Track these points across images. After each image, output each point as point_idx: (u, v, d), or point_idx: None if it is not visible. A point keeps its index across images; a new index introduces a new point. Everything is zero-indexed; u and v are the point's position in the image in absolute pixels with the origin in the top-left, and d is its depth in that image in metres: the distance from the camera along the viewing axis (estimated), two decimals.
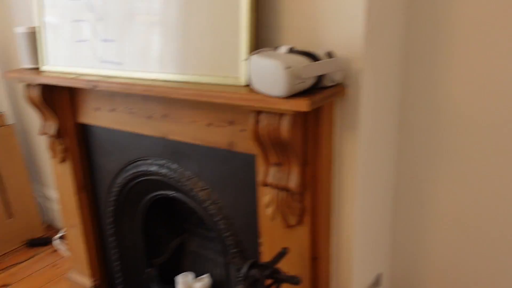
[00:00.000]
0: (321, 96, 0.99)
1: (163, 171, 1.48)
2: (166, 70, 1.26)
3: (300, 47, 1.12)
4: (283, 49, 1.02)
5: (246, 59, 1.09)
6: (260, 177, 1.15)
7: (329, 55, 1.04)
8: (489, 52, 1.11)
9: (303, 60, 0.97)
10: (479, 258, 1.28)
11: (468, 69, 1.15)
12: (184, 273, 1.74)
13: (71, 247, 1.92)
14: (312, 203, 1.13)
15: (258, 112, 1.06)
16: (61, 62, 1.55)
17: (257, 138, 1.08)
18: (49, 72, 1.56)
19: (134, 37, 1.32)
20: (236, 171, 1.29)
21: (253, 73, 1.02)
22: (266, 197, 1.17)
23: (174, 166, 1.45)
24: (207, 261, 1.77)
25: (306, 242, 1.15)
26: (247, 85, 1.10)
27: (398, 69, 1.24)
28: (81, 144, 1.73)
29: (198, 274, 1.76)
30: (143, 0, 1.27)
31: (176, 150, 1.43)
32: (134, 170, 1.58)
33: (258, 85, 1.02)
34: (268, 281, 1.03)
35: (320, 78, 1.01)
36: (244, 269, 1.03)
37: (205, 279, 1.71)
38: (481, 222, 1.24)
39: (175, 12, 1.21)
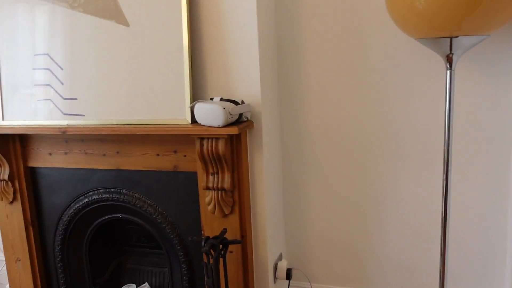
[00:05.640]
0: (242, 126, 1.62)
1: (115, 196, 1.92)
2: (128, 117, 1.78)
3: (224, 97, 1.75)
4: (217, 98, 1.64)
5: (191, 106, 1.68)
6: (202, 184, 1.72)
7: (242, 102, 1.70)
8: (325, 102, 1.89)
9: (230, 105, 1.61)
10: (343, 236, 1.99)
11: (316, 110, 1.91)
12: (127, 284, 2.12)
13: (14, 281, 2.15)
14: (239, 198, 1.72)
15: (202, 139, 1.64)
16: (20, 117, 1.93)
17: (201, 156, 1.66)
18: (8, 125, 1.92)
19: (97, 94, 1.81)
20: (179, 186, 1.82)
21: (198, 114, 1.62)
22: (207, 197, 1.73)
23: (125, 191, 1.91)
24: (144, 273, 2.18)
25: (237, 225, 1.73)
26: (191, 123, 1.69)
27: (278, 111, 1.95)
28: (29, 185, 2.05)
29: (138, 285, 2.16)
30: (106, 67, 1.79)
31: (127, 178, 1.90)
32: (86, 200, 1.97)
33: (202, 121, 1.62)
34: (220, 246, 1.58)
35: (240, 115, 1.65)
36: (204, 240, 1.56)
37: (145, 286, 2.12)
38: (340, 210, 1.97)
39: (138, 79, 1.76)
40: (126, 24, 1.77)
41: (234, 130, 1.57)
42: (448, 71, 1.53)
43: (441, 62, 1.74)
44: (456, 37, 1.45)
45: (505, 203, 1.75)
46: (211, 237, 1.61)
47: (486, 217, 1.78)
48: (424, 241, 1.88)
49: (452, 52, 1.50)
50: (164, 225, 1.87)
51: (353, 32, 1.82)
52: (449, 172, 1.55)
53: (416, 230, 1.88)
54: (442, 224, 1.58)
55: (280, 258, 1.98)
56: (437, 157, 1.80)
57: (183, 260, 1.87)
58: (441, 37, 1.46)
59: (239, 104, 1.64)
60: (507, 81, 1.68)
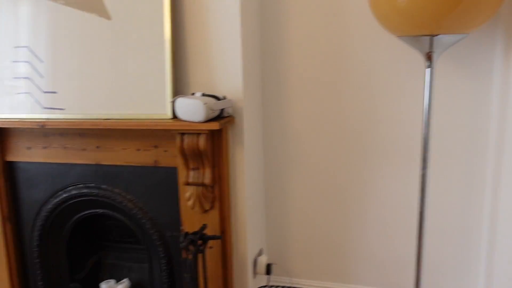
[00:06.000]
0: (223, 121, 1.62)
1: (94, 191, 1.90)
2: (108, 111, 1.76)
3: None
4: (199, 93, 1.64)
5: (172, 101, 1.67)
6: (182, 179, 1.71)
7: (224, 97, 1.70)
8: (308, 98, 1.90)
9: (212, 100, 1.60)
10: (324, 231, 2.00)
11: (298, 106, 1.92)
12: (106, 280, 2.10)
13: None
14: (219, 193, 1.72)
15: (182, 134, 1.63)
16: None
17: (182, 151, 1.65)
18: None
19: (78, 87, 1.79)
20: (159, 182, 1.81)
21: (179, 109, 1.61)
22: (187, 193, 1.72)
23: (104, 186, 1.89)
24: (124, 269, 2.16)
25: (217, 220, 1.72)
26: (172, 118, 1.68)
27: (260, 107, 1.95)
28: (7, 179, 2.02)
29: (117, 281, 2.14)
30: (87, 60, 1.77)
31: (107, 173, 1.88)
32: (65, 195, 1.94)
33: (183, 116, 1.61)
34: (199, 241, 1.57)
35: (221, 111, 1.65)
36: (183, 236, 1.55)
37: (125, 282, 2.10)
38: (321, 206, 1.98)
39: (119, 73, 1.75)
40: (108, 17, 1.75)
41: (215, 126, 1.57)
42: (428, 69, 1.55)
43: (422, 60, 1.76)
44: (436, 35, 1.47)
45: (481, 199, 1.78)
46: (190, 232, 1.60)
47: (462, 212, 1.81)
48: (402, 236, 1.90)
49: (432, 50, 1.52)
50: (144, 221, 1.86)
51: (337, 29, 1.82)
52: (426, 168, 1.57)
53: (394, 225, 1.90)
54: (418, 219, 1.59)
55: (260, 253, 1.98)
56: (416, 153, 1.82)
57: (162, 255, 1.86)
58: (421, 35, 1.48)
59: (220, 99, 1.64)
60: (485, 80, 1.71)
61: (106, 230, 2.17)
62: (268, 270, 1.91)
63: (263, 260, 1.91)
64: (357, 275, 2.00)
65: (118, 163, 1.84)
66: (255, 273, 1.90)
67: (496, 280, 1.68)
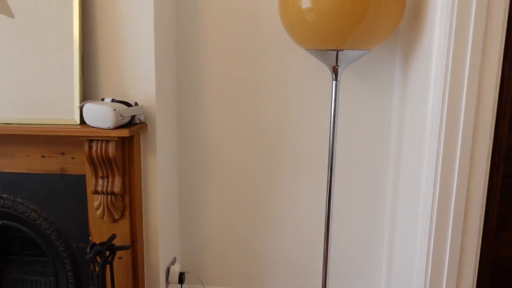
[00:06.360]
0: (134, 128, 1.59)
1: None
2: (9, 115, 1.65)
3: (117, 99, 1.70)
4: (108, 99, 1.59)
5: (80, 106, 1.61)
6: (91, 188, 1.65)
7: (136, 104, 1.66)
8: (223, 105, 1.92)
9: (122, 106, 1.56)
10: (238, 238, 2.03)
11: (213, 113, 1.93)
12: None
13: None
14: (130, 202, 1.68)
15: (91, 141, 1.58)
16: None
17: (90, 159, 1.59)
18: None
19: None
20: (67, 190, 1.73)
21: (87, 115, 1.56)
22: (96, 202, 1.66)
23: (5, 195, 1.77)
24: (28, 283, 2.03)
25: (127, 230, 1.68)
26: (80, 124, 1.61)
27: (174, 114, 1.94)
28: None
29: None
30: None
31: (8, 181, 1.76)
32: None
33: (91, 123, 1.56)
34: (107, 252, 1.52)
35: (132, 117, 1.62)
36: (89, 246, 1.50)
37: None
38: (235, 213, 2.00)
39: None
40: (11, 15, 1.65)
41: (124, 133, 1.53)
42: (334, 82, 1.63)
43: (329, 73, 1.85)
44: (342, 50, 1.55)
45: (383, 206, 1.90)
46: (98, 243, 1.54)
47: (366, 218, 1.92)
48: (313, 240, 1.98)
49: (338, 64, 1.60)
50: (49, 232, 1.76)
51: (251, 39, 1.86)
52: (332, 177, 1.65)
53: (306, 230, 1.97)
54: (325, 224, 1.67)
55: (173, 262, 1.96)
56: (324, 160, 1.91)
57: (69, 268, 1.77)
58: (328, 50, 1.56)
59: (131, 105, 1.61)
60: (387, 92, 1.83)
61: (7, 242, 2.02)
62: (181, 279, 1.89)
63: (176, 269, 1.89)
64: (270, 280, 2.04)
65: (21, 171, 1.73)
66: (167, 282, 1.88)
67: (394, 278, 1.80)
